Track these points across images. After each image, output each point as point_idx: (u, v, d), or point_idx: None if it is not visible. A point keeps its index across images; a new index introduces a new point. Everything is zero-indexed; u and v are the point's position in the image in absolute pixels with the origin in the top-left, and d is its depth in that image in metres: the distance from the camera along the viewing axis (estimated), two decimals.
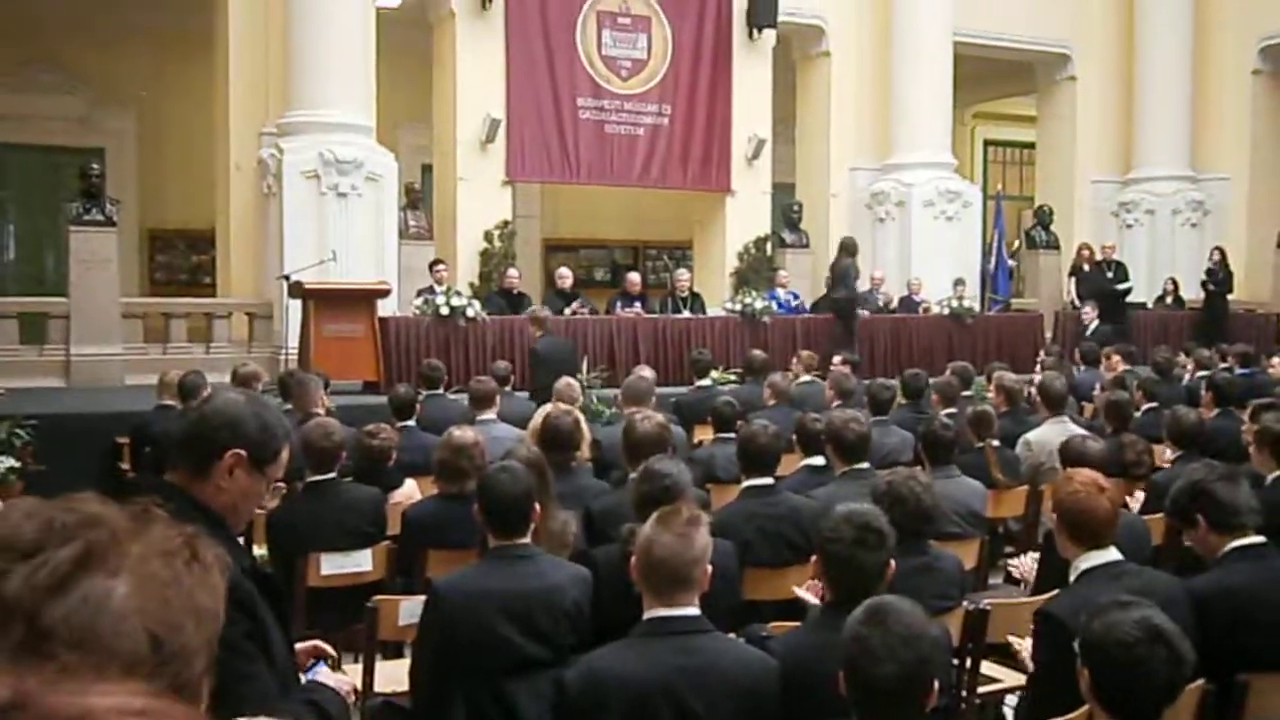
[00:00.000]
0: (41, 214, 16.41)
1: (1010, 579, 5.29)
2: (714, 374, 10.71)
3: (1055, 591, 3.70)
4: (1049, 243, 18.06)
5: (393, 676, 4.03)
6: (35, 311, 12.92)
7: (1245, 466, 4.95)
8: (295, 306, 11.23)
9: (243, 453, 2.29)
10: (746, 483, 5.00)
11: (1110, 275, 16.64)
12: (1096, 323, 15.02)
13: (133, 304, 13.21)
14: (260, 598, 2.29)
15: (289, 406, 7.50)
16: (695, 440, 8.02)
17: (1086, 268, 16.79)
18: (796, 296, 15.06)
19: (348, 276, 11.82)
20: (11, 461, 8.84)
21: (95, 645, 0.94)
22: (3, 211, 17.14)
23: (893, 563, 3.17)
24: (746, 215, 16.10)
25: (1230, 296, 17.03)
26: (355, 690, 3.14)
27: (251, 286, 13.42)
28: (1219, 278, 16.83)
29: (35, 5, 15.44)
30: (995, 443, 6.68)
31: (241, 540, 2.90)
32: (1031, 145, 20.99)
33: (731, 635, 3.31)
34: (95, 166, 12.64)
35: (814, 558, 3.27)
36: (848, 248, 13.98)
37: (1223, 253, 17.12)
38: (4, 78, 16.04)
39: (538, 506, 3.70)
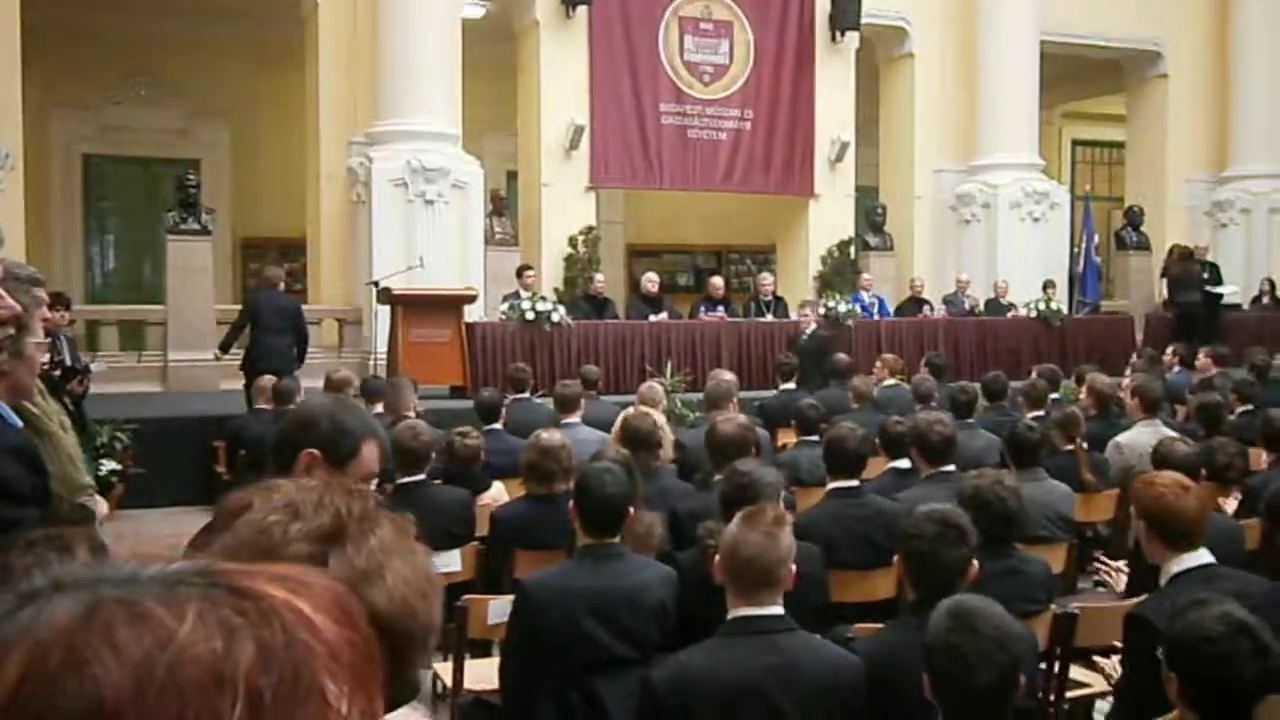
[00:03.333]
0: (140, 224, 16.87)
1: (1099, 584, 5.23)
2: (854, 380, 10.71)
3: (1145, 596, 3.66)
4: (1139, 243, 17.74)
5: (482, 675, 4.11)
6: (134, 319, 13.31)
7: None
8: (384, 312, 11.43)
9: (316, 452, 2.36)
10: (832, 485, 5.01)
11: (1205, 276, 16.27)
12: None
13: (228, 311, 13.50)
14: None
15: (379, 409, 7.64)
16: (780, 444, 8.03)
17: (1176, 270, 16.42)
18: (881, 300, 14.97)
19: (435, 282, 11.99)
20: (113, 465, 9.13)
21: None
22: (103, 221, 17.65)
23: (975, 562, 3.17)
24: (830, 218, 16.05)
25: None
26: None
27: (342, 293, 13.68)
28: None
29: (133, 22, 15.91)
30: (1084, 445, 6.60)
31: None
32: (1121, 145, 20.63)
33: (816, 636, 3.33)
34: (191, 177, 13.00)
35: (897, 558, 3.29)
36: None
37: None
38: (105, 91, 16.56)
39: (630, 508, 3.76)
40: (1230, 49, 18.48)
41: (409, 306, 11.19)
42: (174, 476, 9.51)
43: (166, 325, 12.54)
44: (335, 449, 2.38)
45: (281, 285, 11.06)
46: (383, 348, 11.57)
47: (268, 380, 8.73)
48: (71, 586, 0.62)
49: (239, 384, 10.32)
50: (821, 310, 13.29)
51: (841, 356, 10.79)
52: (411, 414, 7.32)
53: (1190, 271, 15.86)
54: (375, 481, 2.45)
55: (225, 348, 11.00)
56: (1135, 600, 3.81)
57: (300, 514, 1.13)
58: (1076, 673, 4.18)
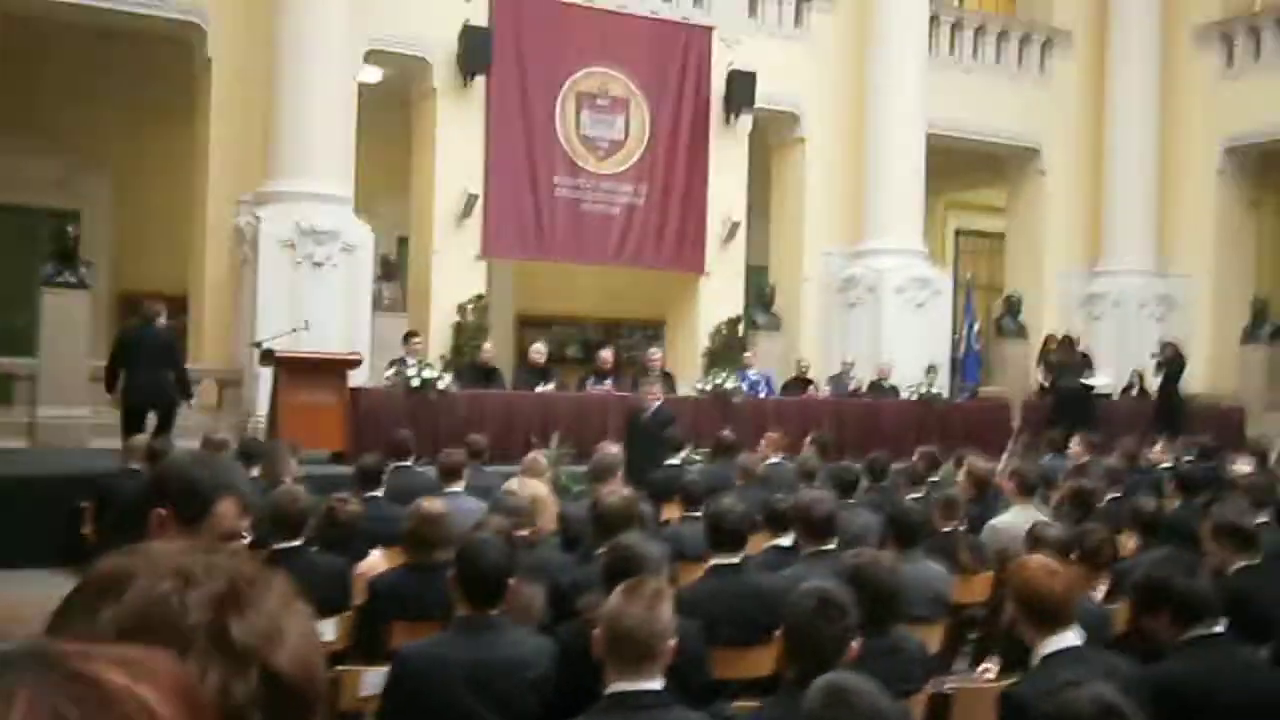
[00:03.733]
0: (15, 274, 16.36)
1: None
2: (684, 452, 10.72)
3: (1017, 677, 3.71)
4: (1017, 331, 18.29)
5: None
6: (2, 373, 12.85)
7: (1207, 557, 4.99)
8: (266, 374, 11.22)
9: (163, 511, 2.28)
10: (714, 561, 5.01)
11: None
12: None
13: (102, 367, 13.14)
14: None
15: (256, 473, 7.46)
16: (663, 518, 8.01)
17: (1053, 359, 16.88)
18: (768, 377, 15.13)
19: (320, 346, 11.82)
20: None
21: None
22: None
23: (855, 642, 3.18)
24: (720, 296, 16.25)
25: (1186, 388, 17.10)
26: None
27: (223, 353, 13.40)
28: (1168, 369, 16.80)
29: (16, 68, 15.54)
30: (963, 528, 6.71)
31: None
32: (1002, 235, 21.31)
33: (695, 712, 3.30)
34: (70, 229, 12.68)
35: (778, 634, 3.28)
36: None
37: (1175, 346, 17.11)
38: None
39: (511, 580, 3.71)
40: (1104, 151, 19.29)
41: (292, 369, 10.99)
42: (37, 537, 9.14)
43: (37, 379, 12.12)
44: (186, 506, 2.30)
45: (161, 319, 10.92)
46: (263, 410, 11.34)
47: (141, 439, 8.48)
48: None
49: (112, 442, 10.03)
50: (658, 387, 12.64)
51: (727, 433, 10.84)
52: (289, 479, 7.15)
53: (1073, 359, 16.34)
54: (245, 542, 2.36)
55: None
56: (1008, 681, 3.86)
57: (192, 580, 1.07)
58: None
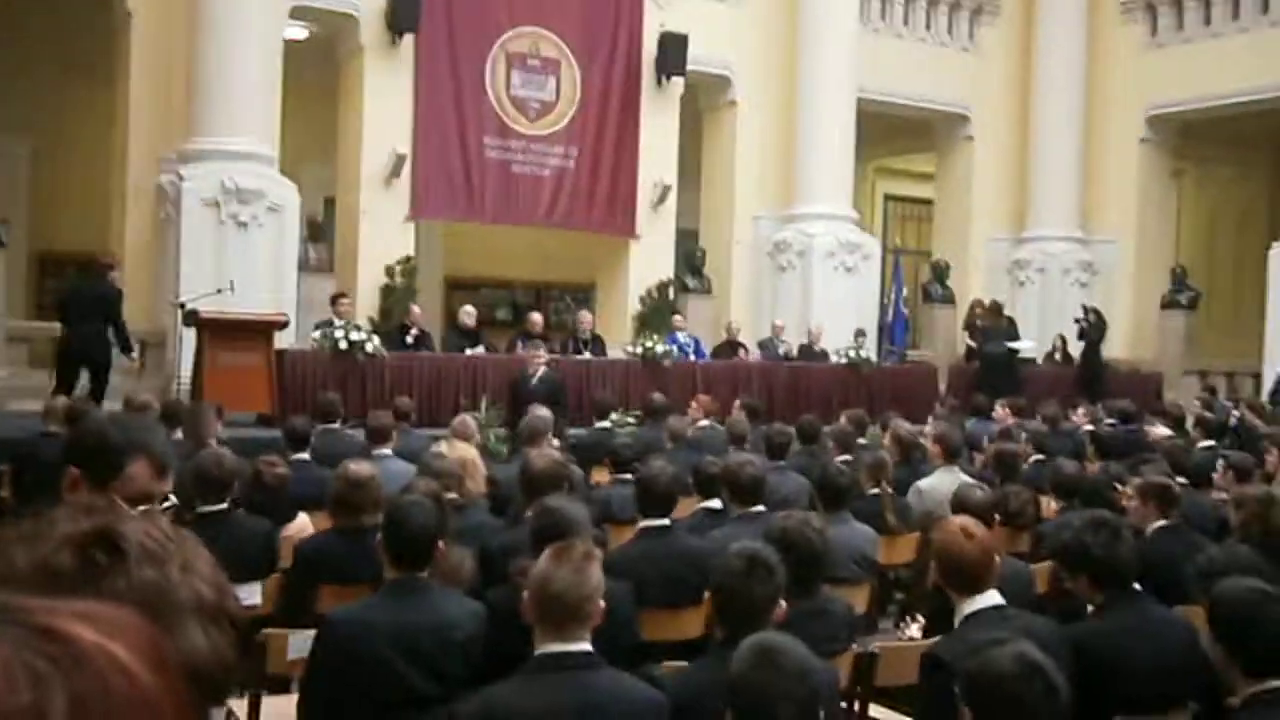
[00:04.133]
0: None
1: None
2: (614, 416, 10.74)
3: (940, 636, 3.78)
4: (944, 297, 18.49)
5: (281, 712, 3.96)
6: None
7: (1125, 518, 5.10)
8: (190, 335, 11.03)
9: (76, 471, 2.24)
10: (643, 523, 5.03)
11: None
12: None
13: (18, 327, 12.86)
14: None
15: (179, 435, 7.35)
16: (593, 481, 8.03)
17: (980, 324, 17.11)
18: (697, 341, 15.18)
19: (245, 307, 11.64)
20: None
21: None
22: None
23: (783, 602, 3.22)
24: (650, 259, 16.24)
25: (1106, 353, 17.45)
26: None
27: (145, 314, 13.13)
28: (1089, 332, 17.16)
29: None
30: (890, 490, 6.80)
31: None
32: (930, 201, 21.51)
33: (624, 673, 3.32)
34: None
35: (707, 595, 3.31)
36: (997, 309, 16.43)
37: (1097, 312, 17.48)
38: None
39: (440, 543, 3.69)
40: (1031, 118, 19.51)
41: (216, 330, 10.83)
42: None
43: None
44: (98, 466, 2.25)
45: (114, 273, 11.04)
46: (187, 372, 11.16)
47: (61, 401, 8.31)
48: None
49: (31, 404, 9.83)
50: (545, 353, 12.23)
51: (657, 396, 10.86)
52: (213, 441, 7.06)
53: (999, 325, 16.57)
54: (165, 505, 2.32)
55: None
56: (932, 640, 3.92)
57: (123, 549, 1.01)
58: (876, 711, 4.28)
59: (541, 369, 11.39)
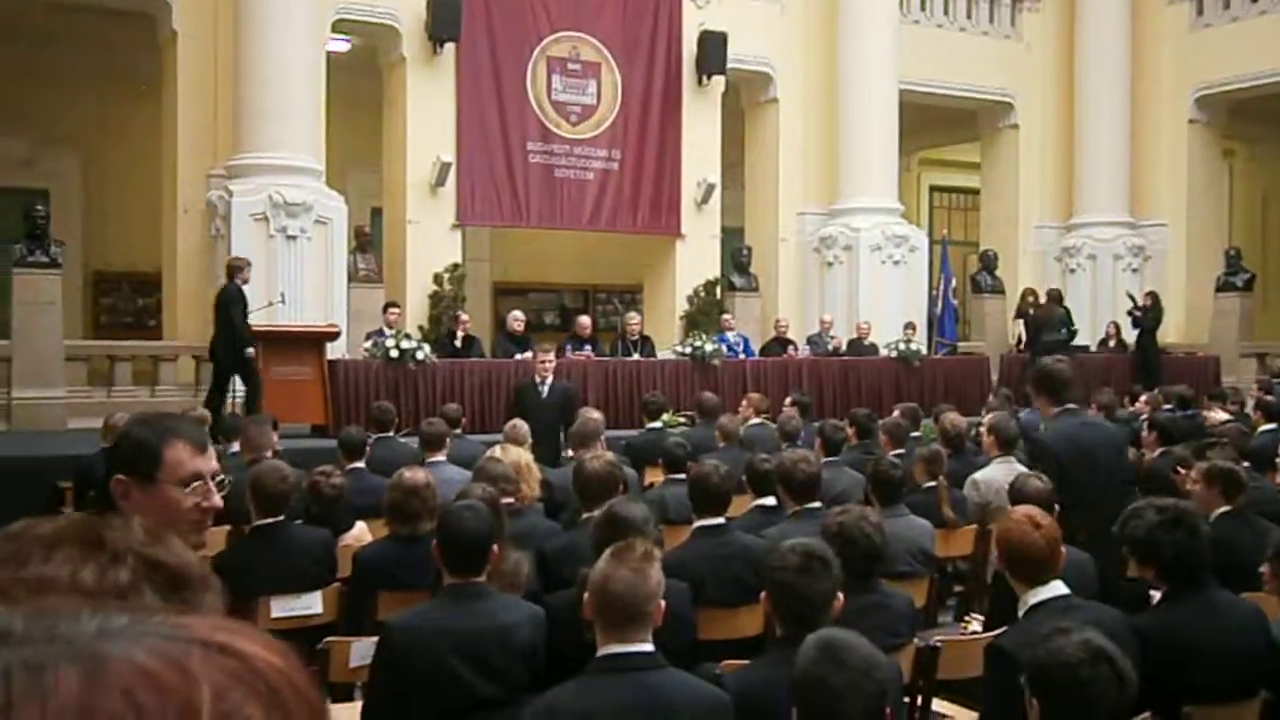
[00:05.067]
0: None
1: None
2: (665, 416, 10.73)
3: (1004, 628, 3.74)
4: (994, 287, 18.32)
5: None
6: None
7: (1188, 503, 5.03)
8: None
9: (123, 478, 2.23)
10: (698, 523, 5.01)
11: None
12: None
13: (76, 346, 13.05)
14: None
15: (236, 448, 7.43)
16: (646, 482, 8.03)
17: (1032, 312, 16.92)
18: (746, 340, 15.14)
19: (296, 319, 11.75)
20: None
21: None
22: None
23: (840, 595, 3.20)
24: (696, 259, 16.22)
25: (1161, 338, 17.20)
26: None
27: (198, 329, 13.28)
28: (1144, 320, 16.92)
29: None
30: (945, 483, 6.74)
31: None
32: (976, 191, 21.32)
33: (686, 672, 3.31)
34: (40, 208, 12.52)
35: (763, 593, 3.29)
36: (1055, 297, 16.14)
37: (1154, 296, 17.26)
38: None
39: (495, 547, 3.70)
40: (1076, 102, 19.28)
41: (269, 343, 10.96)
42: (18, 518, 9.08)
43: (11, 361, 12.02)
44: (138, 465, 2.22)
45: (242, 274, 11.26)
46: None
47: (118, 418, 8.41)
48: (43, 640, 0.52)
49: (89, 422, 9.97)
50: (551, 355, 11.25)
51: (708, 395, 10.83)
52: (270, 453, 7.12)
53: (1054, 314, 16.40)
54: (219, 479, 2.28)
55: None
56: (995, 632, 3.88)
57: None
58: (939, 705, 4.24)
59: (550, 376, 10.65)
